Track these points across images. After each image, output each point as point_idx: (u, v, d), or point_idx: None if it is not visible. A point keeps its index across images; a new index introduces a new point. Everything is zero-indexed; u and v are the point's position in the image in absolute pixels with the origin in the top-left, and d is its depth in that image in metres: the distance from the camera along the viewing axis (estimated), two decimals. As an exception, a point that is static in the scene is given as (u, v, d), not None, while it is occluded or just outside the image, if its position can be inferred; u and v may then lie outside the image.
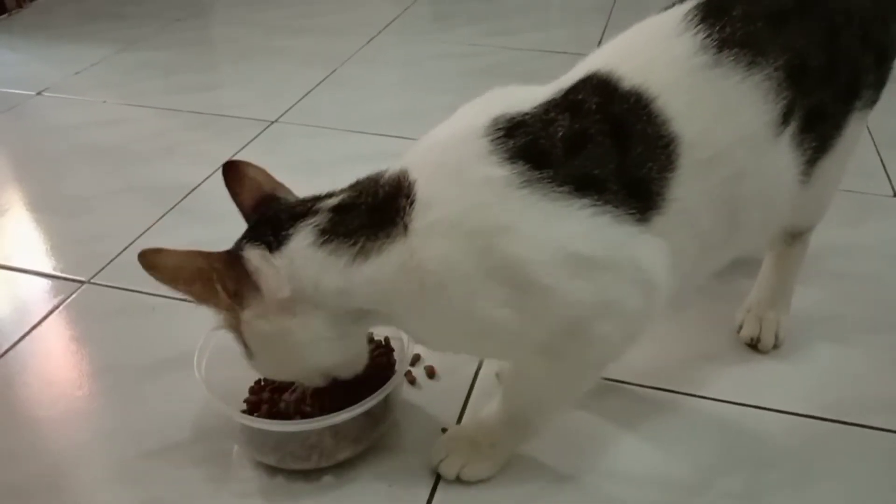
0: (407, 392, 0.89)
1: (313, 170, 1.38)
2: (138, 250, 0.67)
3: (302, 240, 0.66)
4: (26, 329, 1.01)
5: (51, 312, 1.05)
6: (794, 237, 0.93)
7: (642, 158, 0.65)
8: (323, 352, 0.70)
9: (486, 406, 0.81)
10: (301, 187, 0.76)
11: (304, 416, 0.78)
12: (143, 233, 1.20)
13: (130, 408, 0.89)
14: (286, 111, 1.61)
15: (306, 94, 1.69)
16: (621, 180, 0.64)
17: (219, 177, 0.76)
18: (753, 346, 0.95)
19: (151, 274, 0.67)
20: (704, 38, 0.68)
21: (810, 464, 0.81)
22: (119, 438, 0.85)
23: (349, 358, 0.74)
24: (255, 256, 0.67)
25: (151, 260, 0.67)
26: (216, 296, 0.68)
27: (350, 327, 0.71)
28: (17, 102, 1.69)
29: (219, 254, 0.69)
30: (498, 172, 0.62)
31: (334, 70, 1.82)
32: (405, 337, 0.83)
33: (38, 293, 1.09)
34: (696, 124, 0.66)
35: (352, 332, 0.72)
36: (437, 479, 0.79)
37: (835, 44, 0.73)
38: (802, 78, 0.70)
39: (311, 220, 0.67)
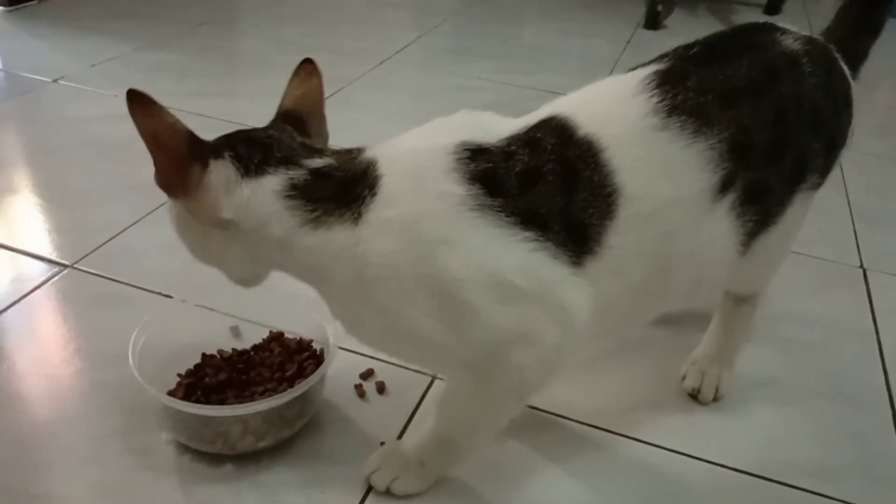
0: (355, 405, 0.93)
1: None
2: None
3: (274, 183, 0.68)
4: (4, 306, 1.06)
5: (31, 291, 1.09)
6: (740, 300, 0.97)
7: (586, 203, 0.69)
8: (229, 265, 0.74)
9: (424, 425, 0.84)
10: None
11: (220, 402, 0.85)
12: (130, 226, 1.24)
13: (91, 394, 0.93)
14: (287, 124, 1.66)
15: (309, 110, 1.74)
16: (563, 221, 0.68)
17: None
18: (694, 396, 0.99)
19: (135, 116, 0.67)
20: (657, 102, 0.73)
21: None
22: (77, 421, 0.89)
23: (250, 278, 0.77)
24: (220, 174, 0.68)
25: (141, 106, 0.66)
26: (173, 175, 0.68)
27: (265, 266, 0.75)
28: (32, 87, 1.76)
29: (196, 143, 0.68)
30: (455, 190, 0.66)
31: (340, 89, 1.88)
32: (330, 345, 0.88)
33: (20, 272, 1.14)
34: (637, 180, 0.70)
35: (264, 266, 0.75)
36: (369, 490, 0.82)
37: (782, 126, 0.77)
38: (746, 153, 0.74)
39: (292, 172, 0.68)
